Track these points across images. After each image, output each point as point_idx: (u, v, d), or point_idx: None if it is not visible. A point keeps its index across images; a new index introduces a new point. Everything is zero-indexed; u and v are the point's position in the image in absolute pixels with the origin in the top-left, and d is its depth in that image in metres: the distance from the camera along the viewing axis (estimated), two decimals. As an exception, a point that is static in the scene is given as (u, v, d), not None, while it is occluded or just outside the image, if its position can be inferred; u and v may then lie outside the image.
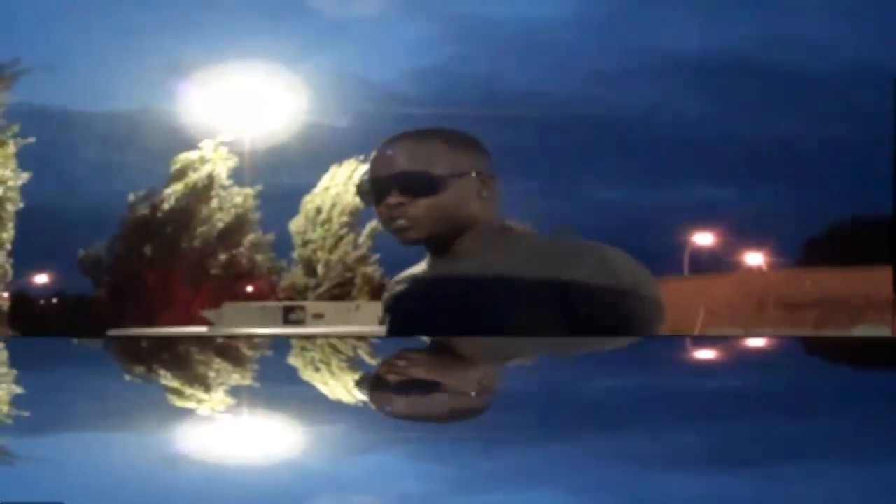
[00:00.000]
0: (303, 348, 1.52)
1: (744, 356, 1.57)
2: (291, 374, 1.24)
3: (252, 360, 1.44)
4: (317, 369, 1.26)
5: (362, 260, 27.20)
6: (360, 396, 1.05)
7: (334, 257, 26.89)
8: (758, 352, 1.64)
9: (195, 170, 25.39)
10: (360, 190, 2.15)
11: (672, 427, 0.85)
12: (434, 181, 2.05)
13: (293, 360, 1.41)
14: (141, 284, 23.60)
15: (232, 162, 26.11)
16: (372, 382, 1.15)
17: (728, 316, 25.65)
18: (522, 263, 2.04)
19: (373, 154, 2.12)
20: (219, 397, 1.05)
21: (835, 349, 1.70)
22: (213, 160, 25.59)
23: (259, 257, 26.48)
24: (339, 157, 28.20)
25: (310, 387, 1.15)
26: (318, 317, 15.16)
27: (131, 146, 31.13)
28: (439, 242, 2.11)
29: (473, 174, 2.07)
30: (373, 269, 27.33)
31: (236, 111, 26.75)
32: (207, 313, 14.77)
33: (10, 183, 20.85)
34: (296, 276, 27.06)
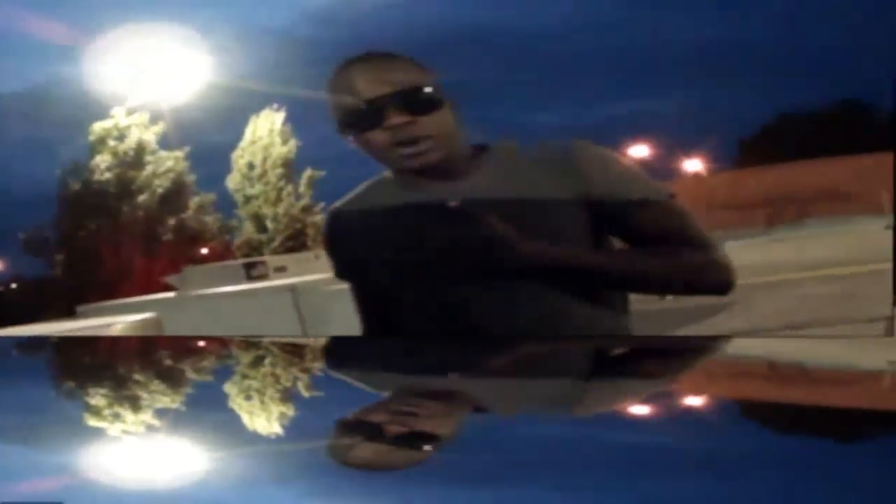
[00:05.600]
0: (244, 376, 1.49)
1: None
2: (221, 400, 1.22)
3: (187, 383, 1.41)
4: (248, 397, 1.23)
5: (308, 209, 27.14)
6: (279, 429, 1.03)
7: (280, 210, 26.82)
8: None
9: (116, 138, 25.07)
10: (345, 118, 1.91)
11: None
12: (433, 97, 1.90)
13: (228, 386, 1.38)
14: (96, 258, 23.39)
15: (159, 127, 25.81)
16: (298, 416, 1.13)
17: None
18: (539, 177, 1.93)
19: (345, 77, 1.90)
20: (143, 418, 1.06)
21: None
22: (138, 126, 25.29)
23: (208, 218, 26.36)
24: (254, 109, 27.96)
25: (235, 415, 1.13)
26: (281, 269, 15.17)
27: (49, 121, 30.20)
28: (450, 165, 1.94)
29: (447, 98, 1.94)
30: (320, 218, 27.27)
31: (142, 76, 26.07)
32: (170, 279, 14.73)
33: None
34: (248, 233, 26.97)
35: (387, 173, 2.06)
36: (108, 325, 4.68)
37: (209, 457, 0.86)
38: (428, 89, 1.89)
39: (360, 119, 1.88)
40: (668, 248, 1.93)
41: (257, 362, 1.63)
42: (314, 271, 15.19)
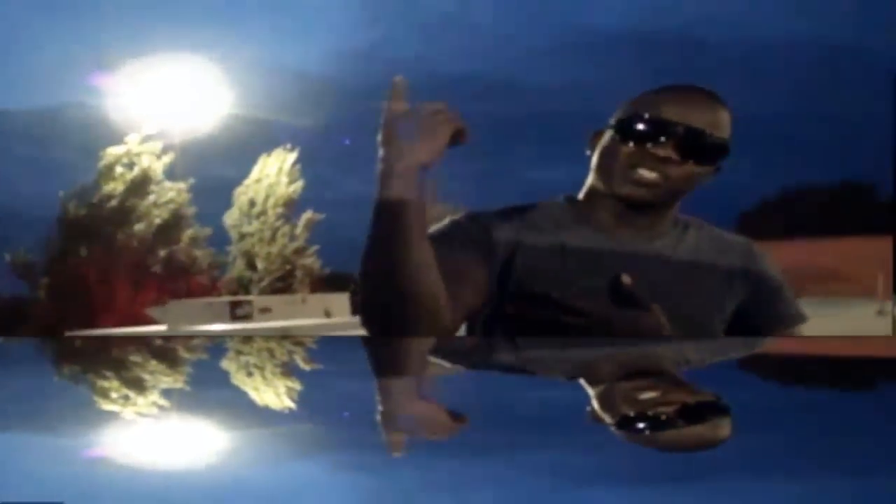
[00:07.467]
0: (239, 352, 1.49)
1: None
2: (223, 378, 1.22)
3: (186, 363, 1.43)
4: (249, 374, 1.24)
5: (301, 252, 27.02)
6: (290, 403, 1.02)
7: (273, 250, 26.74)
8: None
9: (125, 165, 25.03)
10: (622, 122, 1.78)
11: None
12: (717, 154, 1.77)
13: (227, 363, 1.40)
14: (81, 285, 23.22)
15: (167, 157, 25.76)
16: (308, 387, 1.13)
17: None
18: (711, 251, 1.89)
19: (658, 95, 1.77)
20: (150, 400, 1.03)
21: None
22: (148, 155, 25.26)
23: (199, 253, 26.18)
24: (266, 148, 27.85)
25: (240, 392, 1.11)
26: (266, 311, 15.03)
27: (57, 143, 30.44)
28: (651, 216, 1.83)
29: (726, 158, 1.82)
30: (312, 261, 27.15)
31: (160, 104, 26.17)
32: (152, 311, 14.62)
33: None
34: (237, 270, 26.82)
35: (558, 200, 1.94)
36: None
37: (227, 436, 0.83)
38: (722, 143, 1.77)
39: (632, 128, 1.75)
40: None
41: (248, 340, 1.67)
42: (300, 315, 15.07)
